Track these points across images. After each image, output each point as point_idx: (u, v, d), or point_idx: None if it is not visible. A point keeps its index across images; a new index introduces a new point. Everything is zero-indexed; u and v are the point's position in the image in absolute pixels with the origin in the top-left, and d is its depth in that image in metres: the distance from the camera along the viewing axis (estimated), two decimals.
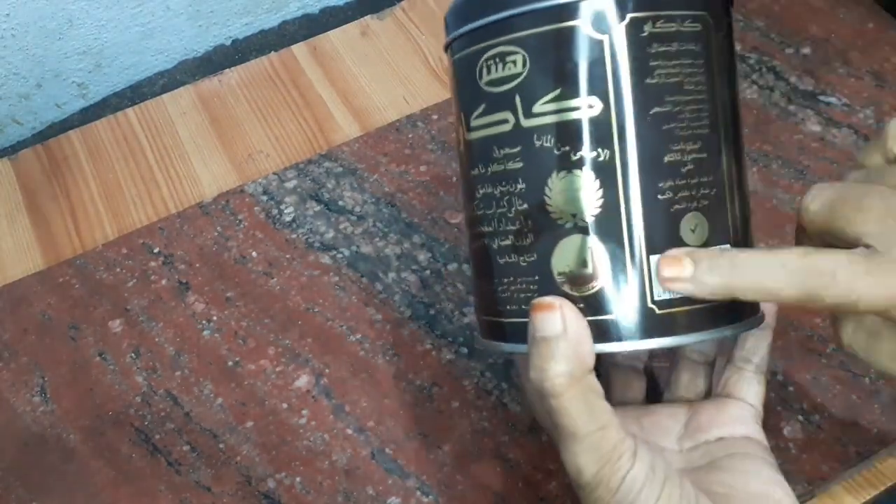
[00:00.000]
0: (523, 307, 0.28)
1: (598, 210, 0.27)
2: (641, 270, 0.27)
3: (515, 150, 0.28)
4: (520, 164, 0.28)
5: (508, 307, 0.29)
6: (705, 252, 0.27)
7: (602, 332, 0.27)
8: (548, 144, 0.27)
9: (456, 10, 0.30)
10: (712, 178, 0.28)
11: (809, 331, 0.44)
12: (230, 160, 0.54)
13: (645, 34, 0.27)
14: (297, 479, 0.42)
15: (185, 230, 0.50)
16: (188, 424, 0.43)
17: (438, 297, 0.47)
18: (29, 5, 0.52)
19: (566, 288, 0.28)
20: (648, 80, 0.27)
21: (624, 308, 0.27)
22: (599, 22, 0.27)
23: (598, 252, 0.27)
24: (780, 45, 0.56)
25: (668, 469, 0.28)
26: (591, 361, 0.27)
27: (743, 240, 0.29)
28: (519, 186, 0.28)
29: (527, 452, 0.41)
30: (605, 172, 0.27)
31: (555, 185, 0.27)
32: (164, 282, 0.48)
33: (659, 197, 0.27)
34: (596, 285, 0.27)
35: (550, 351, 0.26)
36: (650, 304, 0.27)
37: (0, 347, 0.46)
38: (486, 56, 0.29)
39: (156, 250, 0.50)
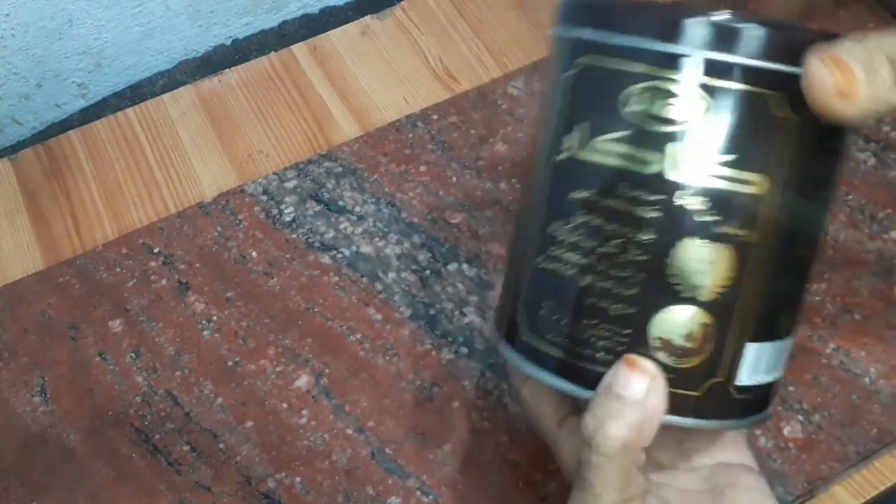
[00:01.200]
0: (598, 355, 0.27)
1: (723, 290, 0.26)
2: (737, 355, 0.27)
3: (651, 197, 0.26)
4: (651, 214, 0.26)
5: (580, 348, 0.27)
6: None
7: (680, 405, 0.27)
8: (693, 207, 0.25)
9: (618, 12, 0.26)
10: (806, 279, 0.28)
11: (809, 331, 0.44)
12: (230, 160, 0.54)
13: (825, 125, 0.25)
14: (297, 479, 0.42)
15: (185, 230, 0.50)
16: (188, 424, 0.43)
17: (438, 297, 0.47)
18: (29, 5, 0.52)
19: (660, 354, 0.26)
20: (815, 173, 0.26)
21: (710, 388, 0.27)
22: (798, 100, 0.25)
23: (707, 330, 0.26)
24: None
25: None
26: (650, 440, 0.26)
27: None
28: (641, 236, 0.26)
29: (527, 452, 0.41)
30: (745, 253, 0.26)
31: (685, 250, 0.26)
32: (164, 282, 0.48)
33: (776, 289, 0.27)
34: (693, 361, 0.26)
35: (620, 411, 0.26)
36: (731, 388, 0.27)
37: (0, 347, 0.46)
38: (644, 84, 0.25)
39: (156, 250, 0.50)
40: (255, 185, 0.52)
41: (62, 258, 0.50)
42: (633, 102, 0.26)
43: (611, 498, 0.26)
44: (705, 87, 0.25)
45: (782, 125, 0.25)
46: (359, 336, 0.46)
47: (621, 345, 0.27)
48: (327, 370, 0.45)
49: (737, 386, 0.27)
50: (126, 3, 0.56)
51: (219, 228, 0.50)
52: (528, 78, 0.56)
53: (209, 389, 0.44)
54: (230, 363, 0.45)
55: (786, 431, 0.41)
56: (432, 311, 0.46)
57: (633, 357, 0.26)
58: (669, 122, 0.25)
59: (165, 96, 0.58)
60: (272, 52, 0.59)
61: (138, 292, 0.48)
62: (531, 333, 0.29)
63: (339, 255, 0.49)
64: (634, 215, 0.26)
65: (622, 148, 0.26)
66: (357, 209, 0.51)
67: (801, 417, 0.42)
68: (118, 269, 0.49)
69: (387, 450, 0.42)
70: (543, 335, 0.28)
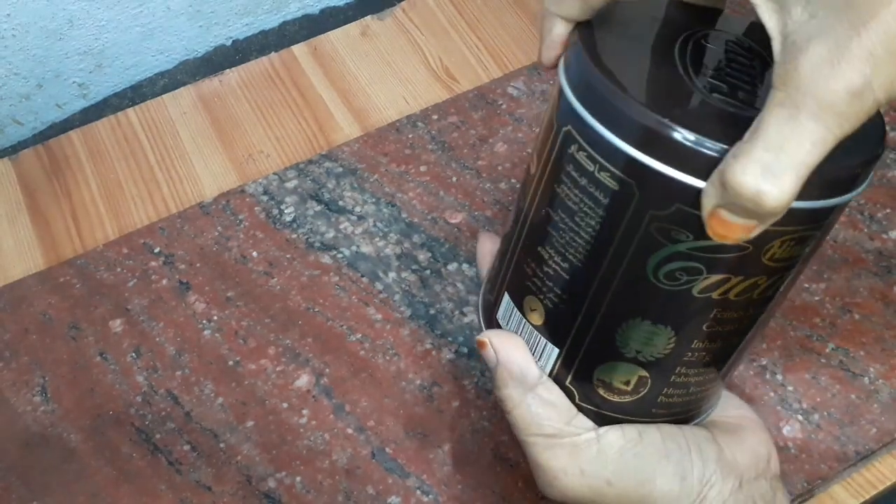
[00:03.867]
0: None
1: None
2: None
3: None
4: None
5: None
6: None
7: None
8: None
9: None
10: (561, 292, 0.29)
11: (809, 331, 0.44)
12: (230, 160, 0.54)
13: (569, 150, 0.26)
14: (298, 478, 0.42)
15: (186, 230, 0.50)
16: (188, 424, 0.43)
17: (438, 297, 0.47)
18: (30, 6, 0.52)
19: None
20: (556, 188, 0.27)
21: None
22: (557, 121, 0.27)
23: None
24: None
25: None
26: (532, 379, 0.30)
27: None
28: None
29: None
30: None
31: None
32: (164, 282, 0.48)
33: (523, 269, 0.29)
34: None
35: (495, 379, 0.30)
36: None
37: (1, 347, 0.46)
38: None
39: (156, 250, 0.50)
40: (256, 185, 0.52)
41: (63, 258, 0.50)
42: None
43: (529, 436, 0.31)
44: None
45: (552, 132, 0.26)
46: (359, 336, 0.46)
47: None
48: (327, 370, 0.45)
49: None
50: (127, 4, 0.56)
51: (219, 228, 0.50)
52: (528, 78, 0.56)
53: (210, 389, 0.45)
54: (230, 363, 0.45)
55: (785, 431, 0.41)
56: (432, 311, 0.46)
57: (477, 338, 0.31)
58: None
59: (166, 96, 0.58)
60: (272, 53, 0.60)
61: (139, 292, 0.48)
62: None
63: (340, 255, 0.49)
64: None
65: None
66: (357, 209, 0.51)
67: (800, 417, 0.42)
68: (119, 269, 0.49)
69: (387, 449, 0.42)
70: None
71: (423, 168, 0.52)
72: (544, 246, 0.28)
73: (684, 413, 0.31)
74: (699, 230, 0.24)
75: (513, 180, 0.51)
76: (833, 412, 0.42)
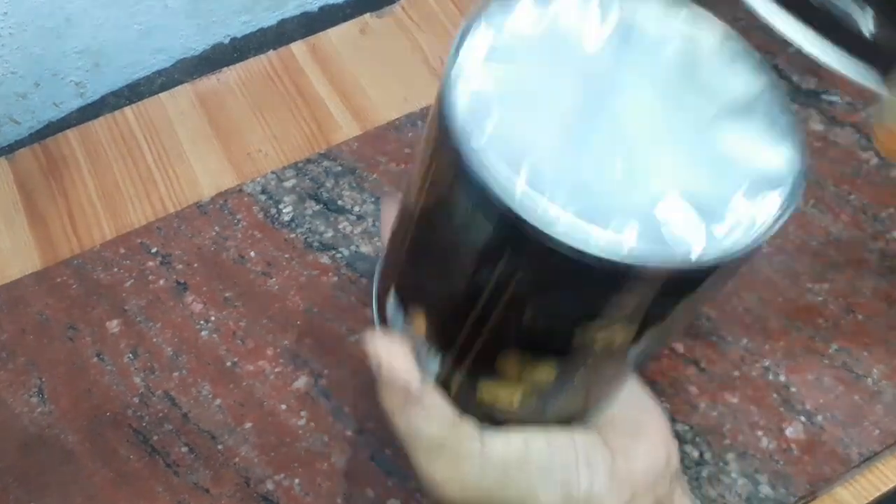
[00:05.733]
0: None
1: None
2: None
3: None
4: None
5: None
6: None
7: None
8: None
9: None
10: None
11: (812, 331, 0.44)
12: (228, 159, 0.54)
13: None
14: (296, 480, 0.41)
15: (183, 230, 0.50)
16: (186, 425, 0.43)
17: None
18: (27, 4, 0.52)
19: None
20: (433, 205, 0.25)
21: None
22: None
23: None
24: (782, 43, 0.55)
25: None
26: (414, 388, 0.28)
27: None
28: None
29: None
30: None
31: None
32: (162, 282, 0.48)
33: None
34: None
35: (378, 385, 0.29)
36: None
37: None
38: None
39: (154, 250, 0.49)
40: (254, 185, 0.52)
41: (60, 258, 0.50)
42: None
43: (415, 444, 0.29)
44: None
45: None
46: (358, 336, 0.46)
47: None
48: (326, 371, 0.44)
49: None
50: (124, 2, 0.56)
51: (217, 228, 0.50)
52: None
53: (207, 390, 0.44)
54: (228, 364, 0.45)
55: (788, 433, 0.41)
56: None
57: (364, 343, 0.29)
58: None
59: (164, 95, 0.57)
60: (271, 51, 0.59)
61: (136, 292, 0.48)
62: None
63: (339, 255, 0.49)
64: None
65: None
66: (356, 209, 0.50)
67: (803, 419, 0.41)
68: (116, 269, 0.49)
69: (386, 451, 0.42)
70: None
71: None
72: (429, 256, 0.26)
73: (579, 413, 0.29)
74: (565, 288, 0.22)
75: None
76: (836, 413, 0.41)
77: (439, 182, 0.23)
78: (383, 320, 0.31)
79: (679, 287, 0.22)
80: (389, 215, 0.31)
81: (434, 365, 0.28)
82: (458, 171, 0.21)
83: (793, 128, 0.23)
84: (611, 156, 0.22)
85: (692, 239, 0.21)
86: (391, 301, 0.30)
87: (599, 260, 0.20)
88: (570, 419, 0.29)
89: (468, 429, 0.28)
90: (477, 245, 0.23)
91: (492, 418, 0.28)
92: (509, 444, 0.28)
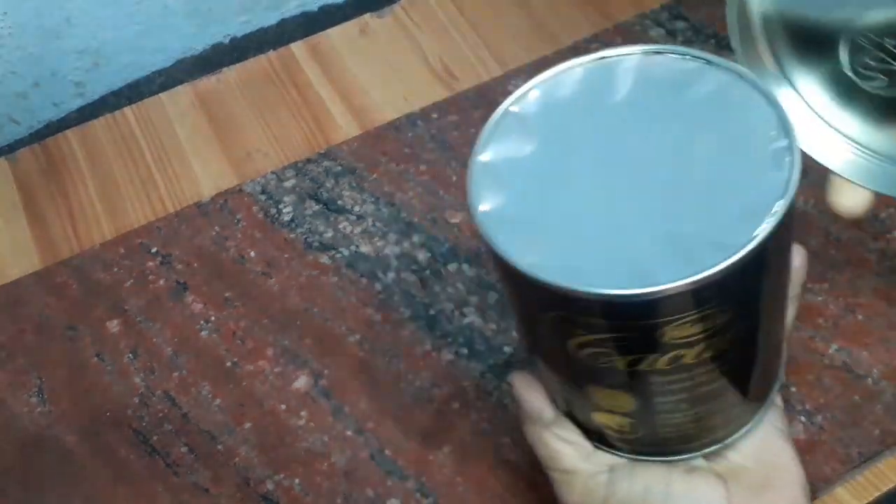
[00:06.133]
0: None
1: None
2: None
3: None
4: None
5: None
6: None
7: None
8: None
9: None
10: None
11: (812, 331, 0.44)
12: (228, 159, 0.54)
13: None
14: (296, 480, 0.41)
15: (183, 230, 0.50)
16: (186, 425, 0.43)
17: (438, 297, 0.47)
18: (26, 4, 0.52)
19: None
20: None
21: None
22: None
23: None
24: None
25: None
26: (546, 419, 0.32)
27: None
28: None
29: (527, 454, 0.41)
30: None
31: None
32: (161, 282, 0.48)
33: None
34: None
35: (519, 416, 0.33)
36: None
37: None
38: None
39: (153, 250, 0.49)
40: (254, 185, 0.52)
41: (59, 258, 0.50)
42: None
43: (551, 465, 0.32)
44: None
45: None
46: (358, 337, 0.46)
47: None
48: (326, 371, 0.44)
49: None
50: (124, 2, 0.56)
51: (217, 228, 0.50)
52: (529, 76, 0.55)
53: (207, 390, 0.44)
54: (228, 364, 0.45)
55: None
56: (432, 312, 0.46)
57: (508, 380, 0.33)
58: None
59: (163, 95, 0.57)
60: (271, 51, 0.59)
61: (136, 292, 0.48)
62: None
63: (338, 255, 0.49)
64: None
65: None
66: (356, 209, 0.50)
67: (803, 418, 0.41)
68: (116, 269, 0.49)
69: (386, 451, 0.42)
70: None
71: (422, 167, 0.52)
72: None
73: (696, 437, 0.31)
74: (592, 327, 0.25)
75: None
76: (836, 413, 0.41)
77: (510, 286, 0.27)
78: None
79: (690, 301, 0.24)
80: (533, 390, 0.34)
81: (561, 402, 0.32)
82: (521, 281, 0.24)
83: (790, 153, 0.24)
84: (632, 211, 0.25)
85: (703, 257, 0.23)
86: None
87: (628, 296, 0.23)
88: (690, 441, 0.31)
89: (599, 460, 0.31)
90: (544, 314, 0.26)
91: (620, 440, 0.31)
92: (633, 486, 0.30)
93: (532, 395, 0.32)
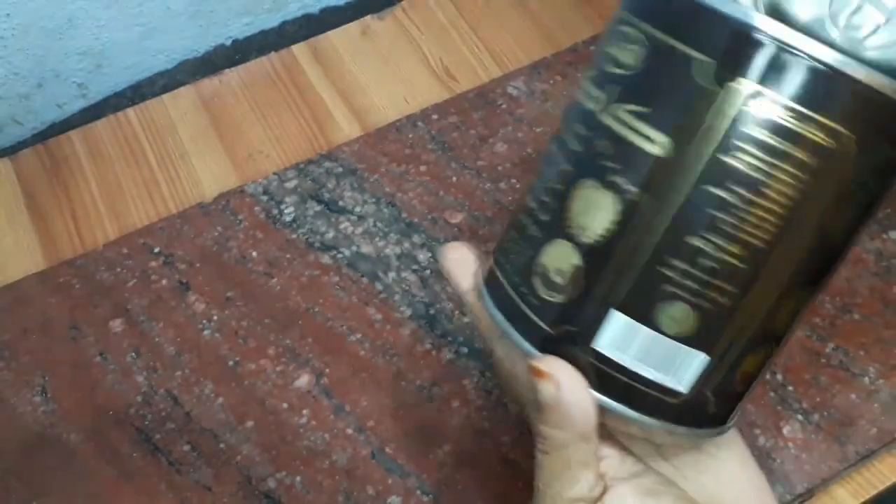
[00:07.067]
0: (506, 267, 0.28)
1: (600, 241, 0.25)
2: (597, 315, 0.26)
3: (581, 132, 0.26)
4: (576, 148, 0.26)
5: (506, 273, 0.28)
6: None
7: (533, 334, 0.27)
8: (603, 151, 0.25)
9: None
10: (736, 292, 0.25)
11: (809, 330, 0.44)
12: (230, 160, 0.54)
13: (758, 114, 0.23)
14: (298, 478, 0.42)
15: (186, 230, 0.50)
16: (188, 424, 0.43)
17: (438, 296, 0.47)
18: (29, 5, 0.52)
19: (536, 281, 0.27)
20: (726, 158, 0.24)
21: (564, 333, 0.26)
22: (725, 73, 0.23)
23: (577, 273, 0.26)
24: None
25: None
26: (587, 426, 0.26)
27: (722, 368, 0.27)
28: (564, 166, 0.26)
29: (527, 452, 0.41)
30: (630, 212, 0.25)
31: (582, 190, 0.26)
32: (164, 282, 0.48)
33: (658, 268, 0.25)
34: (556, 298, 0.26)
35: (544, 413, 0.26)
36: (586, 347, 0.26)
37: (0, 347, 0.46)
38: (620, 28, 0.26)
39: (156, 250, 0.50)
40: (256, 186, 0.52)
41: (63, 258, 0.50)
42: (612, 45, 0.26)
43: (555, 492, 0.27)
44: (648, 38, 0.25)
45: (704, 93, 0.23)
46: (359, 336, 0.46)
47: (517, 263, 0.27)
48: (327, 370, 0.45)
49: (593, 350, 0.26)
50: (126, 3, 0.56)
51: (219, 228, 0.50)
52: (528, 78, 0.56)
53: (209, 389, 0.45)
54: (230, 363, 0.45)
55: (785, 431, 0.41)
56: (432, 311, 0.46)
57: (534, 364, 0.26)
58: (621, 65, 0.25)
59: (166, 96, 0.58)
60: (272, 53, 0.59)
61: (139, 292, 0.48)
62: (494, 270, 0.29)
63: (340, 255, 0.49)
64: (567, 147, 0.27)
65: (587, 84, 0.27)
66: (357, 209, 0.51)
67: (800, 417, 0.42)
68: (118, 269, 0.49)
69: (387, 449, 0.42)
70: (500, 267, 0.29)
71: (423, 168, 0.52)
72: (703, 236, 0.24)
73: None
74: None
75: (513, 180, 0.51)
76: (833, 412, 0.42)
77: None
78: None
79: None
80: (466, 266, 0.31)
81: (687, 370, 0.26)
82: None
83: None
84: None
85: None
86: (608, 333, 0.27)
87: None
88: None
89: (617, 499, 0.28)
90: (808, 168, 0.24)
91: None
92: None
93: (582, 393, 0.26)
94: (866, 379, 0.43)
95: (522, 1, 0.61)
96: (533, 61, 0.57)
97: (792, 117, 0.23)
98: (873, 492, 0.41)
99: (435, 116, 0.54)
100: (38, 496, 0.42)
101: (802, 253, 0.25)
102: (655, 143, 0.24)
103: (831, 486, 0.41)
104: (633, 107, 0.25)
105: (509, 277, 0.28)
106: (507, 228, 0.29)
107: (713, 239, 0.24)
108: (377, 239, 0.49)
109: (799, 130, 0.23)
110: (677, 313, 0.25)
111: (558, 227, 0.26)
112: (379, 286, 0.48)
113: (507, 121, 0.53)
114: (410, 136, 0.54)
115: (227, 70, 0.59)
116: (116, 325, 0.47)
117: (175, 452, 0.43)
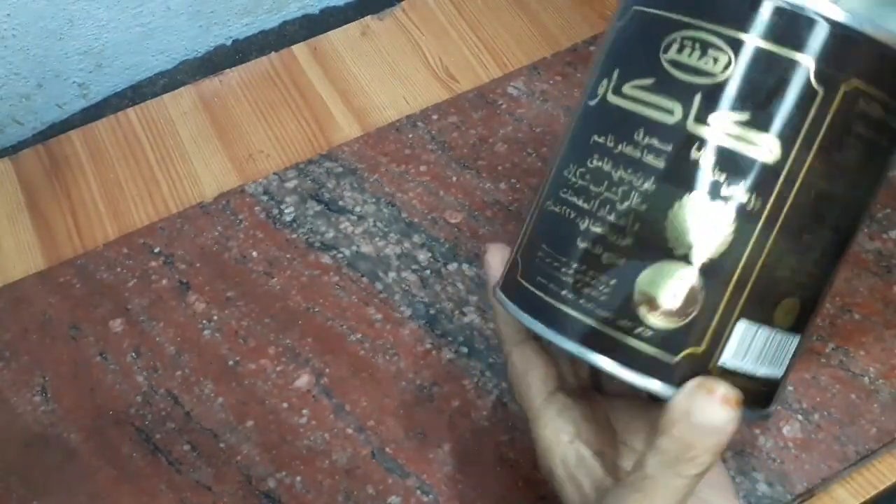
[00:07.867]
0: (582, 302, 0.26)
1: (718, 256, 0.25)
2: (722, 329, 0.25)
3: (664, 147, 0.25)
4: (661, 164, 0.25)
5: (564, 292, 0.26)
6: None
7: (654, 368, 0.25)
8: (704, 163, 0.24)
9: None
10: (821, 274, 0.26)
11: None
12: (231, 160, 0.54)
13: (857, 108, 0.24)
14: (298, 478, 0.42)
15: (186, 230, 0.50)
16: (188, 424, 0.43)
17: (438, 296, 0.47)
18: (30, 5, 0.52)
19: (641, 309, 0.25)
20: (835, 155, 0.24)
21: (687, 357, 0.25)
22: (826, 73, 0.24)
23: (694, 293, 0.25)
24: None
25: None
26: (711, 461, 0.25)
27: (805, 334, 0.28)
28: (647, 186, 0.25)
29: (527, 452, 0.41)
30: (746, 222, 0.24)
31: (687, 207, 0.25)
32: (164, 281, 0.48)
33: (778, 270, 0.25)
34: (674, 324, 0.25)
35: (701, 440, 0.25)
36: (712, 365, 0.25)
37: (1, 347, 0.46)
38: (685, 34, 0.25)
39: (156, 250, 0.50)
40: (256, 185, 0.52)
41: (63, 258, 0.50)
42: (673, 50, 0.25)
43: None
44: (740, 44, 0.24)
45: (808, 94, 0.24)
46: (359, 336, 0.46)
47: (604, 295, 0.26)
48: (327, 370, 0.45)
49: (719, 367, 0.25)
50: (127, 4, 0.56)
51: (219, 228, 0.50)
52: (528, 78, 0.56)
53: (209, 389, 0.45)
54: (230, 363, 0.45)
55: (785, 431, 0.41)
56: (432, 311, 0.46)
57: (703, 382, 0.25)
58: (701, 73, 0.25)
59: (166, 96, 0.58)
60: (272, 53, 0.60)
61: (139, 292, 0.48)
62: (524, 276, 0.28)
63: (340, 255, 0.49)
64: (644, 163, 0.25)
65: (649, 95, 0.26)
66: (357, 209, 0.51)
67: (800, 417, 0.42)
68: (119, 269, 0.49)
69: (387, 449, 0.42)
70: (534, 278, 0.28)
71: (423, 168, 0.52)
72: (812, 230, 0.25)
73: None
74: None
75: (513, 180, 0.51)
76: (833, 412, 0.42)
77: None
78: None
79: None
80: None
81: (786, 356, 0.27)
82: None
83: None
84: None
85: None
86: (734, 343, 0.26)
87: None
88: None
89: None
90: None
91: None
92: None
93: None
94: (866, 379, 0.43)
95: (522, 1, 0.61)
96: (533, 61, 0.57)
97: (891, 111, 0.25)
98: (873, 492, 0.41)
99: (435, 116, 0.54)
100: (38, 496, 0.42)
101: (858, 224, 0.27)
102: (763, 147, 0.24)
103: (831, 486, 0.41)
104: (729, 114, 0.24)
105: (593, 314, 0.26)
106: (561, 261, 0.27)
107: (820, 231, 0.25)
108: (377, 239, 0.49)
109: (887, 118, 0.25)
110: (789, 305, 0.26)
111: (656, 248, 0.25)
112: (379, 286, 0.48)
113: (507, 121, 0.53)
114: (410, 136, 0.54)
115: (227, 70, 0.59)
116: (116, 324, 0.47)
117: (175, 452, 0.43)
